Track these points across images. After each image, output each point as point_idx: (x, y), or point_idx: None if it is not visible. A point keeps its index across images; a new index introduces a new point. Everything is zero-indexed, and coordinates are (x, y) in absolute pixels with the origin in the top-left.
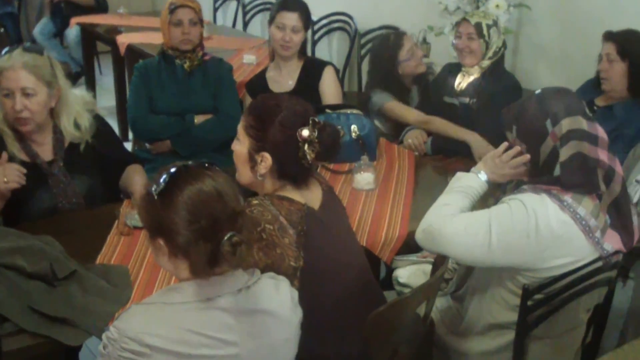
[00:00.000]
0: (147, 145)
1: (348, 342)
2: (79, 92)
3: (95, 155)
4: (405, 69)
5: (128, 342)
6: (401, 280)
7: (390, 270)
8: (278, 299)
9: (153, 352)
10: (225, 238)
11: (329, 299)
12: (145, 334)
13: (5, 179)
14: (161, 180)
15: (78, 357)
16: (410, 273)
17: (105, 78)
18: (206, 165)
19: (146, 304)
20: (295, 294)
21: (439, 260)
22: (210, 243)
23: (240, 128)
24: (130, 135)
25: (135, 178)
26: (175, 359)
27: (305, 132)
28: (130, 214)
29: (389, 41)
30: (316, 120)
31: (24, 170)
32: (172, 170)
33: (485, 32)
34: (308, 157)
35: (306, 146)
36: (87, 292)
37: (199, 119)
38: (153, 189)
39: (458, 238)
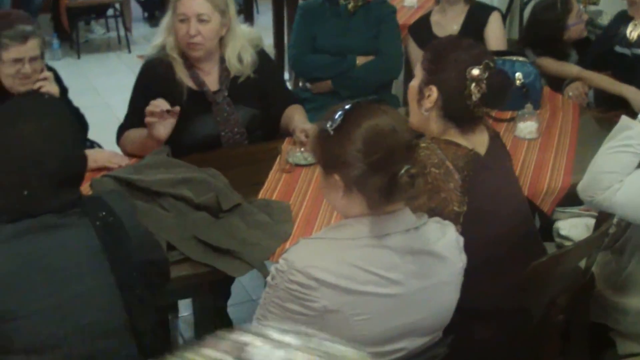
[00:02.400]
0: (307, 85)
1: (506, 289)
2: (247, 28)
3: (257, 89)
4: (572, 34)
5: (296, 275)
6: (562, 232)
7: (545, 221)
8: (444, 242)
9: (320, 285)
10: (403, 170)
11: (490, 245)
12: (313, 267)
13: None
14: (336, 116)
15: (230, 290)
16: (572, 225)
17: (262, 17)
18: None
19: (315, 239)
20: (461, 239)
21: (603, 215)
22: (386, 176)
23: (419, 63)
24: (287, 75)
25: (297, 117)
26: (341, 294)
27: (475, 71)
28: (291, 152)
29: (556, 6)
30: (490, 64)
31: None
32: (347, 106)
33: None
34: (473, 97)
35: (473, 85)
36: (250, 225)
37: (360, 60)
38: (328, 125)
39: (629, 205)
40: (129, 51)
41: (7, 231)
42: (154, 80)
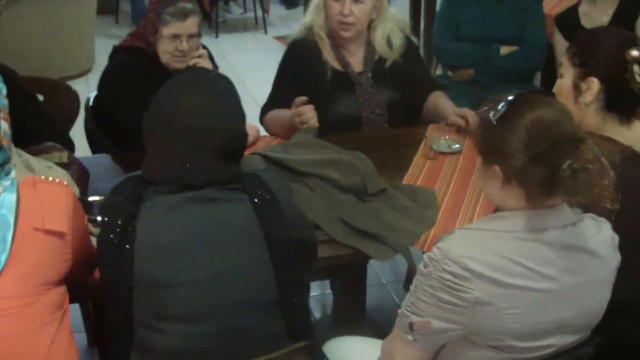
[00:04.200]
0: (448, 72)
1: None
2: (395, 11)
3: (401, 73)
4: None
5: (450, 264)
6: None
7: None
8: (599, 239)
9: (473, 276)
10: (565, 165)
11: None
12: (467, 258)
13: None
14: (499, 106)
15: (366, 269)
16: None
17: (397, 2)
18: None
19: (471, 229)
20: (616, 237)
21: None
22: (548, 169)
23: (565, 61)
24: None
25: (443, 103)
26: (494, 286)
27: (635, 52)
28: (436, 139)
29: None
30: None
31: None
32: (511, 97)
33: None
34: (637, 78)
35: (635, 67)
36: (395, 210)
37: (504, 50)
38: (491, 114)
39: None
40: (265, 32)
41: (167, 202)
42: (299, 60)
